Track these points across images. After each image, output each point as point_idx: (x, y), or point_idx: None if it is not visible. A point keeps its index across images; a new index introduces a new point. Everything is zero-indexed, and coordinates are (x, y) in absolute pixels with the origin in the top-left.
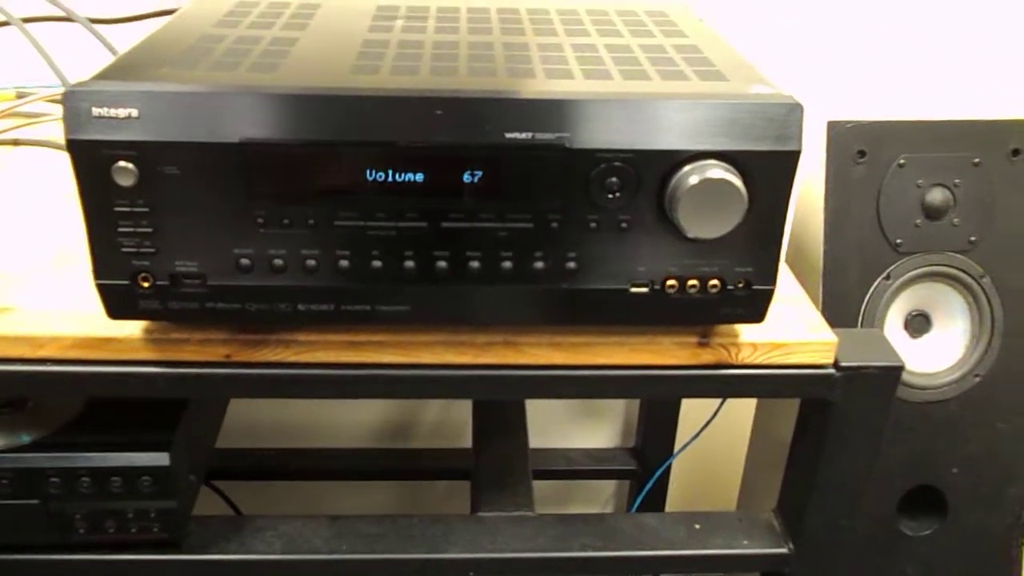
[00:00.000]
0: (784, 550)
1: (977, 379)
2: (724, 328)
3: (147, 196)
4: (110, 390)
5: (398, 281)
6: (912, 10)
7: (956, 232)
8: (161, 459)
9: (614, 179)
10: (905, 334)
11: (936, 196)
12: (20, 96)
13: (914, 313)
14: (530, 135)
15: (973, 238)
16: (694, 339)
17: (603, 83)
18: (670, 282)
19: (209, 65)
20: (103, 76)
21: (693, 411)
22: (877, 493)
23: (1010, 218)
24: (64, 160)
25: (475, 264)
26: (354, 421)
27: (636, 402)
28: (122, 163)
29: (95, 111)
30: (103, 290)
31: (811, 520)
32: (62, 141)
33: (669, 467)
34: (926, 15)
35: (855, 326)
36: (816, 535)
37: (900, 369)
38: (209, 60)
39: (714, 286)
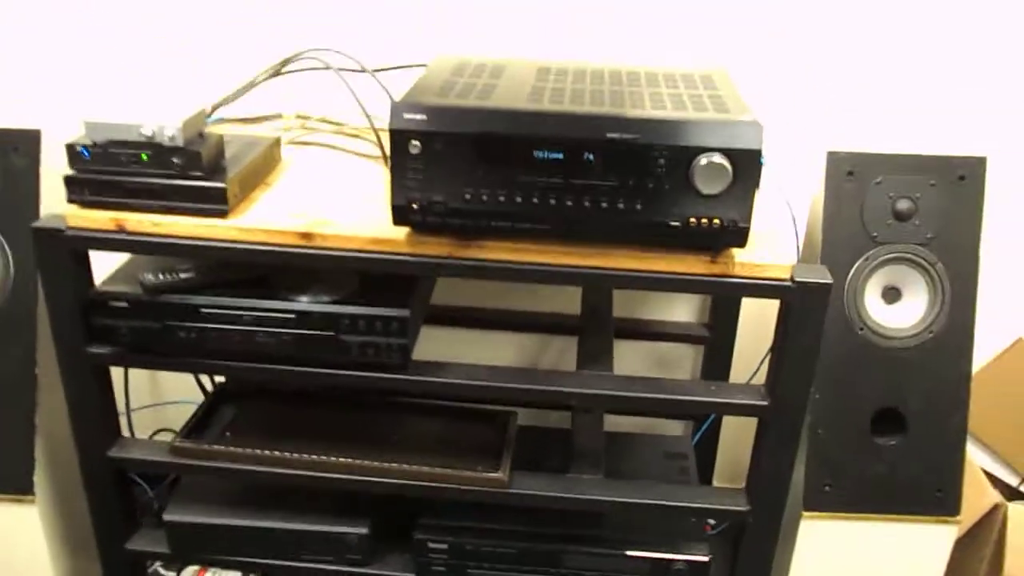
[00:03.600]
0: (765, 403)
1: (931, 335)
2: (726, 252)
3: (423, 160)
4: (384, 269)
5: (547, 210)
6: (888, 71)
7: (917, 230)
8: (404, 312)
9: (662, 160)
10: (882, 302)
11: (903, 205)
12: (299, 117)
13: (888, 287)
14: (618, 135)
15: (929, 235)
16: (708, 258)
17: (662, 111)
18: (692, 220)
19: (455, 95)
20: (406, 99)
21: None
22: (856, 413)
23: (956, 223)
24: (332, 154)
25: (587, 203)
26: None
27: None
28: (414, 141)
29: (406, 115)
30: (395, 209)
31: (783, 382)
32: (333, 143)
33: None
34: (899, 75)
35: (844, 294)
36: (784, 393)
37: (830, 285)
38: (454, 92)
39: (718, 224)
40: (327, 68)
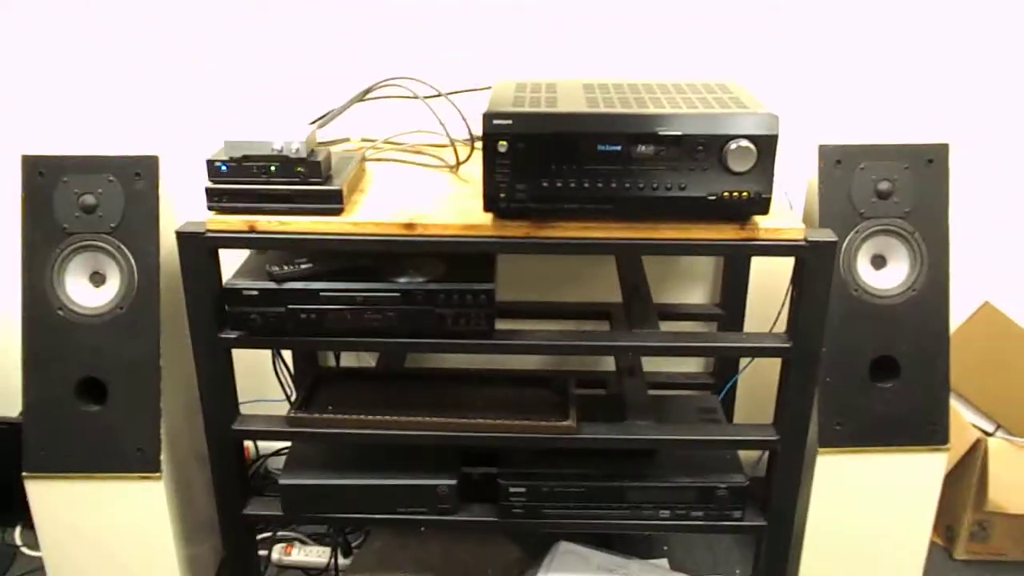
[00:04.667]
0: (788, 345)
1: (914, 292)
2: (752, 220)
3: (510, 157)
4: (475, 250)
5: (608, 193)
6: (868, 76)
7: (897, 206)
8: (490, 286)
9: (700, 147)
10: (871, 267)
11: (884, 186)
12: (364, 141)
13: (875, 255)
14: (666, 129)
15: (907, 209)
16: (738, 225)
17: (694, 109)
18: (725, 194)
19: (526, 104)
20: (493, 109)
21: (756, 278)
22: (857, 363)
23: (928, 199)
24: (404, 167)
25: (640, 185)
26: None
27: (720, 272)
28: (502, 142)
29: (495, 121)
30: (486, 198)
31: (801, 327)
32: (402, 158)
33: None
34: (874, 81)
35: (839, 262)
36: (803, 336)
37: (835, 243)
38: (524, 103)
39: (746, 196)
40: (414, 96)
